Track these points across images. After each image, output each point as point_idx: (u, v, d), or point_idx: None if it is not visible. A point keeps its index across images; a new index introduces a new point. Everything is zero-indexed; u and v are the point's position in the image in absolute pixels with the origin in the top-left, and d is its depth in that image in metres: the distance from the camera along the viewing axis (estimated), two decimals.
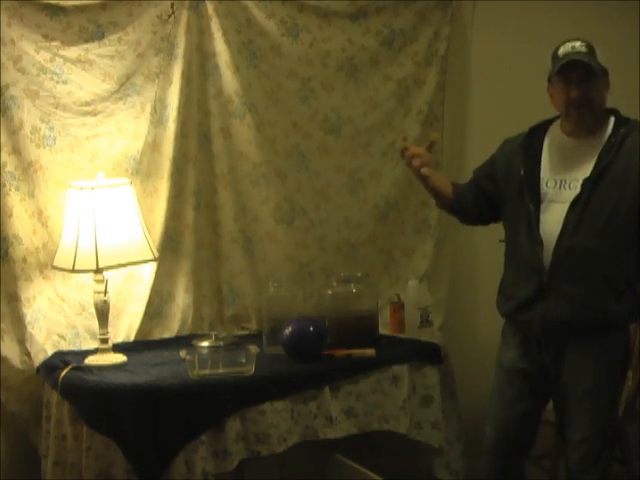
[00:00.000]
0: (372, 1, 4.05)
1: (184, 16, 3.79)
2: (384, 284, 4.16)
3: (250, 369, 3.44)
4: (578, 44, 3.17)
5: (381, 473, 3.49)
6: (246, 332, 4.01)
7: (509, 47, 4.22)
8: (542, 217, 3.14)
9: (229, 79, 3.90)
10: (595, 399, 3.14)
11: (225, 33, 3.86)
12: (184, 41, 3.79)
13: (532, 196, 3.17)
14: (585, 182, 3.10)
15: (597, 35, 4.18)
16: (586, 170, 3.12)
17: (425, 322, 3.93)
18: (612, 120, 3.19)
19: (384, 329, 3.93)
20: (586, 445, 3.15)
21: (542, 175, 3.19)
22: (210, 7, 3.83)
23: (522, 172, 3.21)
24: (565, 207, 3.11)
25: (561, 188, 3.15)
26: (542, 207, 3.15)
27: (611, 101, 4.24)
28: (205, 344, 3.70)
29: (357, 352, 3.63)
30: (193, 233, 3.90)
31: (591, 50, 3.15)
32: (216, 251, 3.99)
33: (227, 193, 3.96)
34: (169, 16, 3.77)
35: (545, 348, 3.19)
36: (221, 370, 3.43)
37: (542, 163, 3.21)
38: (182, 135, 3.83)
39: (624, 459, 3.83)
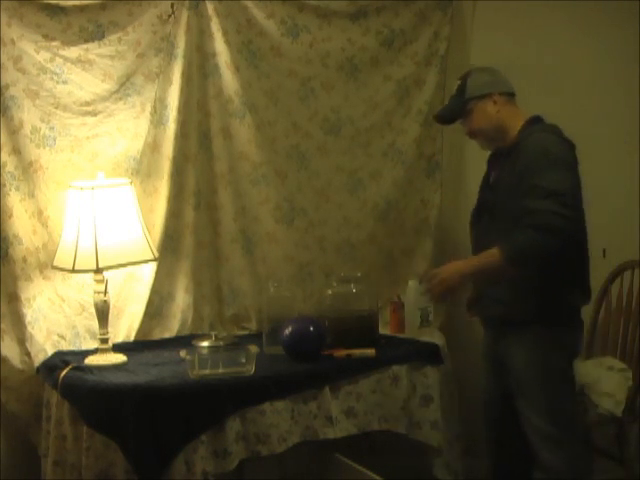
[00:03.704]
0: (372, 1, 4.04)
1: (184, 16, 3.79)
2: (384, 284, 4.16)
3: (250, 369, 3.44)
4: (456, 85, 3.41)
5: (381, 473, 3.48)
6: (246, 332, 4.01)
7: (509, 47, 4.21)
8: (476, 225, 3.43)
9: (229, 79, 3.90)
10: (536, 388, 3.26)
11: (225, 33, 3.86)
12: (184, 41, 3.79)
13: (477, 206, 3.43)
14: (488, 191, 3.38)
15: (597, 35, 4.20)
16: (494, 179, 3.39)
17: (425, 322, 3.93)
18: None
19: (384, 329, 3.93)
20: (539, 429, 3.26)
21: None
22: (210, 7, 3.83)
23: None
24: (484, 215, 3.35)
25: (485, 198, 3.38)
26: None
27: (611, 101, 4.25)
28: (205, 344, 3.70)
29: (357, 352, 3.63)
30: (193, 233, 3.91)
31: (461, 87, 3.36)
32: (216, 251, 3.99)
33: (227, 193, 3.96)
34: (169, 16, 3.77)
35: (495, 337, 3.40)
36: (221, 370, 3.43)
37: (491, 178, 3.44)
38: (182, 135, 3.83)
39: (624, 459, 3.84)
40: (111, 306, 3.63)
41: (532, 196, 3.09)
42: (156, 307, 3.86)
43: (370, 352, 3.65)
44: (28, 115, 3.58)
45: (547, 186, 3.07)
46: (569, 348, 3.35)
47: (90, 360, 3.56)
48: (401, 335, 3.92)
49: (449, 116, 3.44)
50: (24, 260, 3.60)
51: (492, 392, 3.45)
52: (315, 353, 3.59)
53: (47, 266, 3.64)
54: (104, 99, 3.70)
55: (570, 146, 3.26)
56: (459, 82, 3.39)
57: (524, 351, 3.27)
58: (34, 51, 3.56)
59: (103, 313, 3.58)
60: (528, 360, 3.27)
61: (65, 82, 3.63)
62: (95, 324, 3.62)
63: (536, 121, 3.33)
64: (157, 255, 3.72)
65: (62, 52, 3.61)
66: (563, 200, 3.06)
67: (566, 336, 3.32)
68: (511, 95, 3.37)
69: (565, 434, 3.26)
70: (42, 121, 3.61)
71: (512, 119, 3.32)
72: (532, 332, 3.25)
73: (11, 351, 3.60)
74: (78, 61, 3.64)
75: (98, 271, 3.53)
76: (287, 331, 3.57)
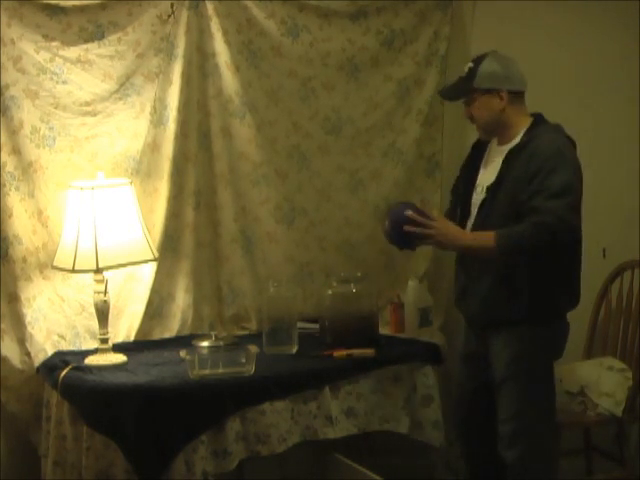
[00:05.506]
0: (372, 1, 4.04)
1: (184, 16, 3.79)
2: (384, 284, 4.16)
3: (250, 369, 3.44)
4: (467, 66, 3.39)
5: (381, 473, 3.48)
6: (246, 332, 4.01)
7: (509, 47, 4.20)
8: (468, 221, 3.38)
9: (229, 79, 3.90)
10: (512, 386, 3.32)
11: (225, 33, 3.86)
12: (184, 41, 3.79)
13: (460, 202, 3.42)
14: (488, 187, 3.30)
15: (597, 35, 4.20)
16: (493, 176, 3.31)
17: (425, 322, 3.93)
18: (526, 126, 3.32)
19: (384, 329, 3.93)
20: (507, 424, 3.32)
21: (477, 182, 3.40)
22: (210, 7, 3.83)
23: (456, 181, 3.52)
24: (476, 211, 3.34)
25: (480, 193, 3.35)
26: (471, 211, 3.37)
27: (612, 101, 4.25)
28: (205, 344, 3.70)
29: (357, 352, 3.63)
30: (193, 233, 3.90)
31: (471, 72, 3.34)
32: (216, 251, 3.99)
33: (227, 193, 3.96)
34: (169, 16, 3.77)
35: (479, 335, 3.43)
36: (221, 370, 3.43)
37: (480, 171, 3.41)
38: (182, 135, 3.83)
39: (624, 459, 3.84)
40: (111, 306, 3.63)
41: (541, 196, 3.14)
42: (156, 307, 3.85)
43: (370, 352, 3.65)
44: (28, 115, 3.58)
45: (557, 187, 3.14)
46: (553, 350, 3.38)
47: (90, 360, 3.56)
48: (401, 335, 3.92)
49: (453, 96, 3.48)
50: (24, 260, 3.60)
51: (465, 387, 3.52)
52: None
53: (47, 266, 3.64)
54: (104, 99, 3.70)
55: (574, 147, 3.30)
56: (471, 65, 3.36)
57: (510, 350, 3.31)
58: (34, 51, 3.56)
59: (103, 313, 3.58)
60: (512, 360, 3.31)
61: (65, 82, 3.63)
62: (95, 324, 3.62)
63: (541, 120, 3.34)
64: (157, 255, 3.72)
65: (62, 52, 3.61)
66: (572, 202, 3.16)
67: (552, 338, 3.35)
68: (520, 93, 3.35)
69: (527, 434, 3.32)
70: (42, 121, 3.60)
71: (516, 117, 3.33)
72: (518, 332, 3.29)
73: (11, 351, 3.60)
74: (78, 61, 3.64)
75: (98, 271, 3.53)
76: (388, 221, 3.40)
